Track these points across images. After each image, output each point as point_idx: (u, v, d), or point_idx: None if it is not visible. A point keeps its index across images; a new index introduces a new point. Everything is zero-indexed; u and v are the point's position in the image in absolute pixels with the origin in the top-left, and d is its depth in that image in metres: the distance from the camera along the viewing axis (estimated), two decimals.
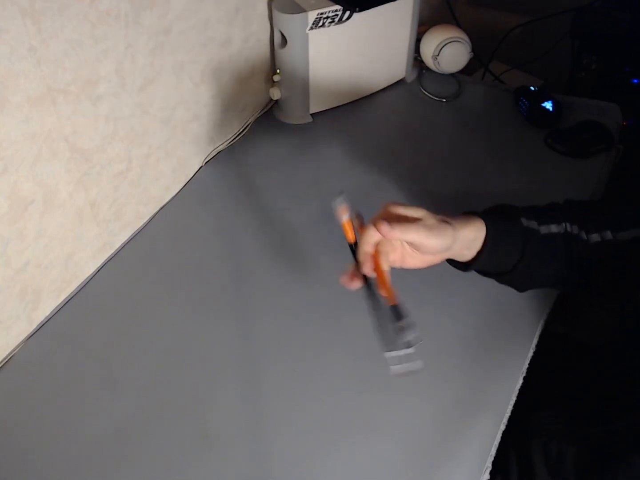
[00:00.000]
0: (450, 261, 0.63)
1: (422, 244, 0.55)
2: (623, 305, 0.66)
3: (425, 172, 0.99)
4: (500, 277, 0.63)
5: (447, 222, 0.57)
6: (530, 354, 0.73)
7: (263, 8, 1.01)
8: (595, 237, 0.61)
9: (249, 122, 1.10)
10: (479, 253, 0.59)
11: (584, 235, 0.61)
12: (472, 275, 0.82)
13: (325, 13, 0.98)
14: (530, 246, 0.60)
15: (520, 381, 0.70)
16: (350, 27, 1.03)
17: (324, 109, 1.12)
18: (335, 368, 0.72)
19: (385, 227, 0.53)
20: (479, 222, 0.59)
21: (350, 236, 0.59)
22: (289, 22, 0.98)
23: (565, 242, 0.61)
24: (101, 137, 0.78)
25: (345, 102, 1.14)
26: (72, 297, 0.82)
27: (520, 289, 0.67)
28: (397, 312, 0.53)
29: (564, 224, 0.62)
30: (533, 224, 0.61)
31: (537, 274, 0.62)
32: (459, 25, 1.22)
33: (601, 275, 0.63)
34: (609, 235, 0.60)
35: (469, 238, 0.57)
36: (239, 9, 0.95)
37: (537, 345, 0.74)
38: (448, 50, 1.13)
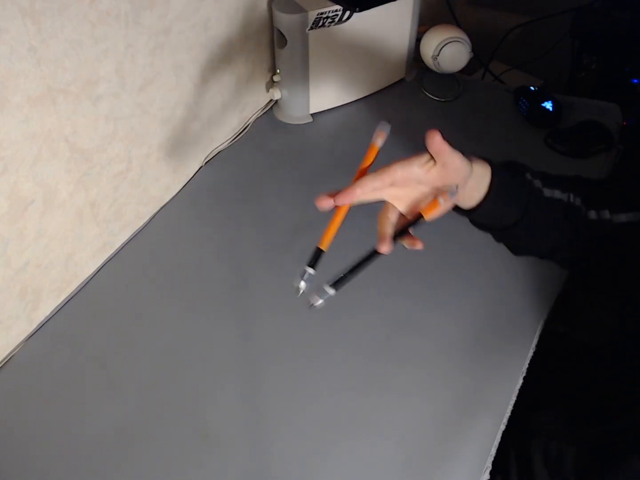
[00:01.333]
0: (455, 208, 0.61)
1: (453, 161, 0.54)
2: (623, 305, 0.66)
3: None
4: (501, 232, 0.62)
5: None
6: (530, 354, 0.73)
7: (263, 8, 1.01)
8: (592, 215, 0.60)
9: (249, 122, 1.10)
10: (485, 196, 0.57)
11: (584, 211, 0.60)
12: (472, 275, 0.82)
13: (325, 13, 0.98)
14: (533, 203, 0.59)
15: (520, 381, 0.70)
16: (350, 27, 1.03)
17: (324, 109, 1.12)
18: (335, 368, 0.72)
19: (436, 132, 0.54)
20: (485, 162, 0.58)
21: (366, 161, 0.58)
22: (289, 22, 0.98)
23: (565, 211, 0.61)
24: (101, 137, 0.78)
25: (345, 102, 1.14)
26: (72, 297, 0.82)
27: (516, 250, 0.66)
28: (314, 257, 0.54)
29: (568, 194, 0.61)
30: (537, 183, 0.61)
31: (535, 235, 0.61)
32: (459, 25, 1.22)
33: (595, 255, 0.62)
34: (606, 214, 0.60)
35: (479, 173, 0.57)
36: (239, 9, 0.95)
37: (537, 345, 0.74)
38: (448, 50, 1.13)
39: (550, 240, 0.62)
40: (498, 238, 0.64)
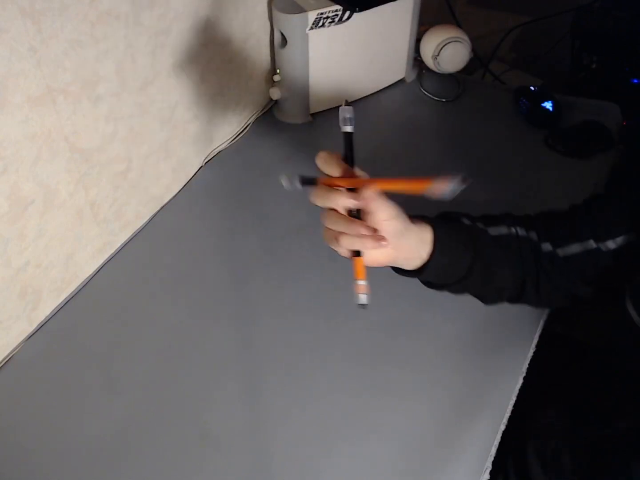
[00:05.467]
0: (401, 271, 0.59)
1: (384, 218, 0.50)
2: (615, 310, 0.65)
3: (424, 172, 0.98)
4: (459, 284, 0.59)
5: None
6: (530, 354, 0.73)
7: (263, 8, 1.01)
8: (575, 248, 0.59)
9: (249, 122, 1.10)
10: (432, 252, 0.55)
11: (548, 247, 0.59)
12: None
13: (325, 13, 0.98)
14: (481, 244, 0.58)
15: (520, 381, 0.70)
16: (350, 27, 1.03)
17: (324, 109, 1.12)
18: (335, 370, 0.72)
19: (371, 192, 0.49)
20: (427, 223, 0.56)
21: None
22: (289, 22, 0.98)
23: (518, 244, 0.59)
24: (101, 137, 0.78)
25: None
26: (72, 297, 0.82)
27: (484, 298, 0.64)
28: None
29: (514, 228, 0.60)
30: (480, 224, 0.59)
31: (493, 276, 0.59)
32: (459, 25, 1.22)
33: (575, 287, 0.61)
34: (592, 244, 0.58)
35: (418, 237, 0.54)
36: (238, 9, 0.95)
37: (537, 345, 0.74)
38: (448, 50, 1.13)
39: (512, 276, 0.60)
40: (457, 290, 0.61)
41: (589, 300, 0.62)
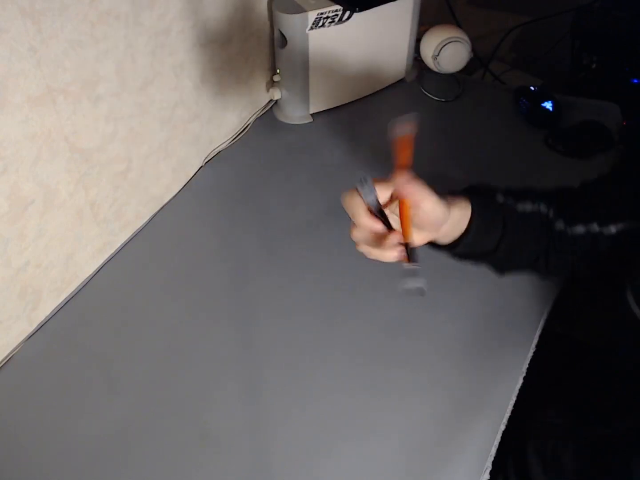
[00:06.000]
0: (432, 245, 0.60)
1: (428, 211, 0.51)
2: (616, 306, 0.65)
3: (424, 172, 0.99)
4: (483, 258, 0.61)
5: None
6: (530, 354, 0.73)
7: (263, 8, 1.01)
8: (580, 229, 0.59)
9: (249, 122, 1.10)
10: (466, 231, 0.56)
11: (561, 225, 0.60)
12: (472, 275, 0.82)
13: (325, 13, 0.98)
14: (509, 224, 0.59)
15: (520, 381, 0.70)
16: (350, 27, 1.03)
17: (324, 109, 1.12)
18: (335, 369, 0.72)
19: (405, 179, 0.50)
20: (464, 201, 0.56)
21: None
22: (289, 22, 0.98)
23: (540, 220, 0.60)
24: (101, 137, 0.78)
25: (345, 102, 1.14)
26: (72, 297, 0.82)
27: (500, 270, 0.65)
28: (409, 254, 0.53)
29: (537, 204, 0.61)
30: (510, 201, 0.60)
31: (517, 252, 0.61)
32: (459, 25, 1.22)
33: (579, 266, 0.61)
34: (595, 227, 0.59)
35: (457, 217, 0.55)
36: (238, 9, 0.95)
37: (537, 345, 0.74)
38: (448, 50, 1.13)
39: (531, 251, 0.61)
40: (477, 262, 0.62)
41: (589, 278, 0.63)
